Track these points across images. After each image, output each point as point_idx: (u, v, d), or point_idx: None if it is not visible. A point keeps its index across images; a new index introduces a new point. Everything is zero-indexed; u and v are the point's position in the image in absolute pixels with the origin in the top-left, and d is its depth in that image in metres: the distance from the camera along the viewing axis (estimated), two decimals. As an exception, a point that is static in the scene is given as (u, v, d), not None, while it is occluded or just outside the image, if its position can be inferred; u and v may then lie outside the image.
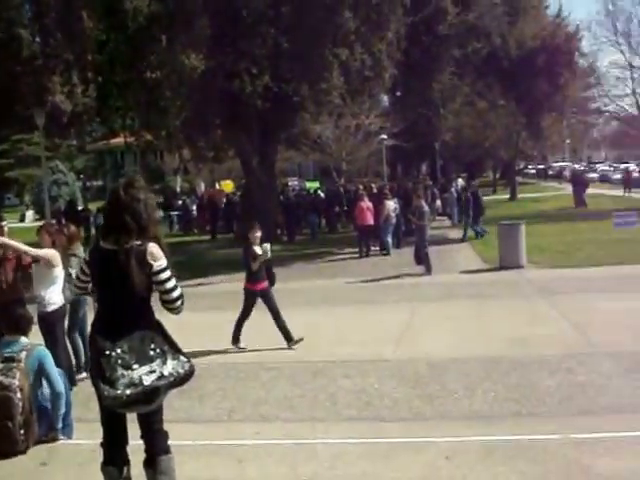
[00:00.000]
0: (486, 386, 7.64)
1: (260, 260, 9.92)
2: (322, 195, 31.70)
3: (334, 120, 33.38)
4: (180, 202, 37.90)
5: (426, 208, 17.83)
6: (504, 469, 5.06)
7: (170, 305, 4.27)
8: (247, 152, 26.76)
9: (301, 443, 5.97)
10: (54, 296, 8.04)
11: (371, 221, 21.01)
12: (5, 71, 24.42)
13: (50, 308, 8.01)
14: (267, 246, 10.00)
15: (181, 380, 4.17)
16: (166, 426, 6.50)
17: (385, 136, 36.27)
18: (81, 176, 68.59)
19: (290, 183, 43.10)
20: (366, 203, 21.29)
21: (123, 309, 4.15)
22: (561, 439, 5.69)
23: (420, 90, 34.68)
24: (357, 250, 21.17)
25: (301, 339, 9.91)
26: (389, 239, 21.30)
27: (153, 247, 4.15)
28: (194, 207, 35.97)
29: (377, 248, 21.54)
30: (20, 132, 49.40)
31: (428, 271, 16.62)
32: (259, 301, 10.25)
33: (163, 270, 4.16)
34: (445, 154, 49.80)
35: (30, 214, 51.26)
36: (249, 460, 5.51)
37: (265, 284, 10.16)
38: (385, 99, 43.25)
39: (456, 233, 24.63)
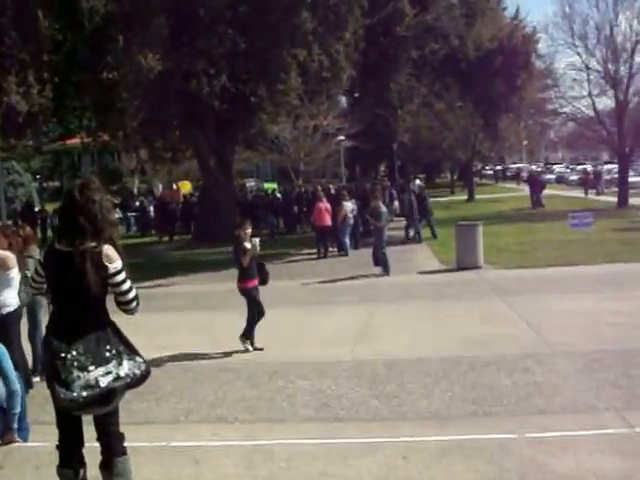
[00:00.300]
0: (443, 386, 7.71)
1: (250, 254, 9.80)
2: (279, 196, 31.70)
3: (292, 121, 33.41)
4: (137, 203, 37.59)
5: (384, 209, 17.91)
6: (461, 468, 5.12)
7: (125, 306, 4.27)
8: (204, 152, 26.67)
9: (258, 444, 5.96)
10: (9, 298, 7.92)
11: (329, 222, 21.07)
12: (-41, 71, 23.87)
13: (5, 310, 7.89)
14: (256, 240, 9.92)
15: (137, 381, 4.17)
16: (123, 428, 6.42)
17: (343, 137, 36.38)
18: (37, 177, 67.48)
19: (248, 184, 42.95)
20: (324, 204, 21.36)
21: (78, 311, 4.12)
22: (517, 438, 5.78)
23: (378, 91, 34.91)
24: (315, 251, 21.22)
25: (260, 349, 9.85)
26: (347, 240, 21.37)
27: (108, 249, 4.13)
28: (151, 208, 35.67)
29: (335, 249, 21.60)
30: (-27, 132, 48.52)
31: (386, 272, 16.70)
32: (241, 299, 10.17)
33: (119, 272, 4.14)
34: (403, 155, 50.11)
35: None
36: (206, 461, 5.49)
37: (256, 282, 10.05)
38: (343, 100, 43.36)
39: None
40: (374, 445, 5.75)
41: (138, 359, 4.19)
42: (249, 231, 10.04)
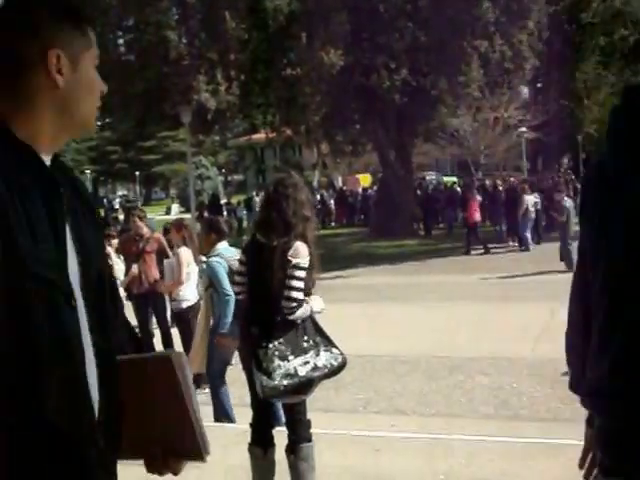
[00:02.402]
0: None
1: None
2: (459, 190, 31.32)
3: (472, 113, 32.87)
4: (318, 196, 38.51)
5: (568, 203, 17.26)
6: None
7: (285, 302, 4.18)
8: (384, 146, 26.87)
9: (437, 438, 5.96)
10: (188, 293, 8.30)
11: (478, 217, 21.02)
12: (154, 72, 25.54)
13: (185, 304, 8.27)
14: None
15: (333, 372, 4.32)
16: (305, 415, 6.64)
17: (525, 129, 35.35)
18: (223, 170, 70.85)
19: (428, 177, 42.80)
20: (475, 198, 21.27)
21: (267, 303, 4.23)
22: None
23: (562, 81, 33.58)
24: (494, 245, 20.80)
25: None
26: (528, 234, 20.81)
27: (300, 246, 4.19)
28: (332, 201, 36.43)
29: (516, 244, 21.11)
30: (166, 129, 51.67)
31: (570, 268, 16.11)
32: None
33: (297, 267, 4.16)
34: (589, 147, 47.91)
35: (175, 207, 53.55)
36: (385, 451, 5.57)
37: None
38: (525, 91, 42.07)
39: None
40: (557, 447, 5.56)
41: (335, 350, 4.33)
42: None
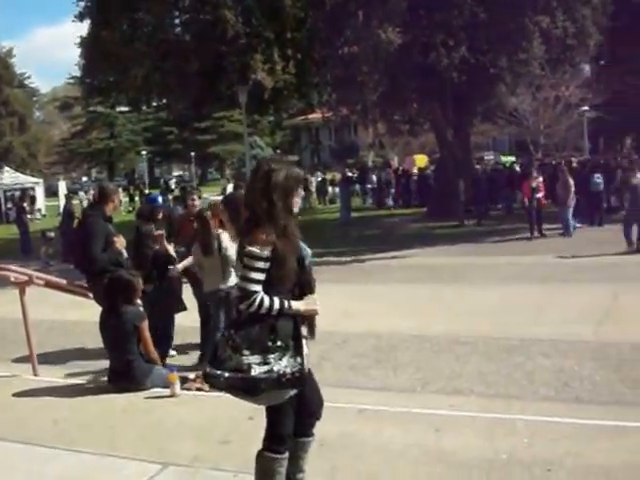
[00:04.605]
0: (698, 373, 7.17)
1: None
2: (518, 169, 30.79)
3: (532, 92, 32.28)
4: (374, 177, 38.31)
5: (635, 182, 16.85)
6: None
7: (235, 292, 4.02)
8: (442, 125, 26.59)
9: (499, 417, 5.90)
10: (234, 276, 8.19)
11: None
12: (211, 51, 25.67)
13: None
14: None
15: (287, 381, 3.75)
16: (361, 392, 6.71)
17: (587, 108, 34.60)
18: (278, 151, 71.03)
19: (486, 157, 42.25)
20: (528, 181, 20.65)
21: None
22: None
23: (628, 58, 32.62)
24: (556, 227, 20.33)
25: None
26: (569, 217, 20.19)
27: (258, 233, 3.84)
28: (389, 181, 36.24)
29: (579, 225, 20.68)
30: (222, 110, 51.95)
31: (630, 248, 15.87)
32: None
33: (252, 256, 3.82)
34: (653, 128, 46.63)
35: (230, 187, 53.87)
36: (446, 430, 5.53)
37: None
38: (587, 69, 41.13)
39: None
40: (622, 429, 5.47)
41: (298, 360, 3.78)
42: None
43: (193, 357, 8.52)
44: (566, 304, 10.87)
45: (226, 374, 3.73)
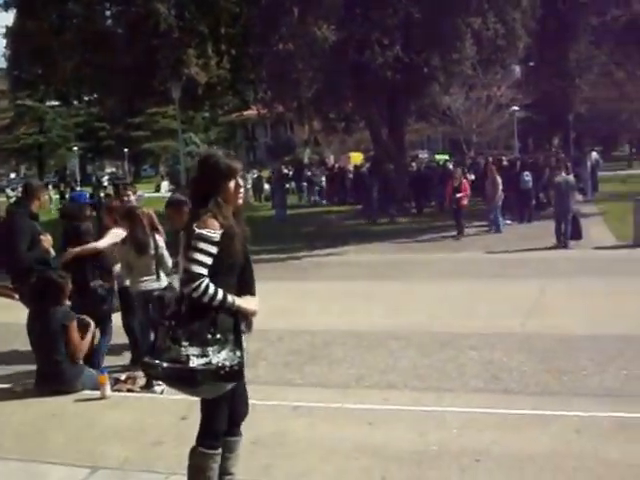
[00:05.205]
0: (619, 364, 7.40)
1: None
2: (451, 167, 31.26)
3: (465, 91, 32.82)
4: (309, 173, 38.40)
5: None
6: (638, 447, 4.96)
7: (182, 275, 3.93)
8: (377, 123, 26.80)
9: (429, 410, 6.03)
10: None
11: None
12: (144, 45, 25.17)
13: None
14: None
15: (226, 374, 3.77)
16: (298, 389, 6.74)
17: (517, 108, 35.33)
18: (214, 147, 70.48)
19: (420, 155, 42.79)
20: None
21: None
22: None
23: (555, 60, 33.45)
24: (486, 224, 20.77)
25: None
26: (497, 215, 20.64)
27: (208, 218, 3.90)
28: (323, 179, 36.38)
29: (509, 222, 21.16)
30: (155, 105, 51.20)
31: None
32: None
33: (201, 238, 3.86)
34: (579, 127, 47.94)
35: (165, 184, 53.31)
36: (378, 424, 5.62)
37: None
38: (517, 70, 42.00)
39: (589, 208, 23.68)
40: (546, 418, 5.66)
41: (238, 353, 3.82)
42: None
43: (124, 358, 8.40)
44: (495, 298, 11.14)
45: (164, 364, 3.74)
